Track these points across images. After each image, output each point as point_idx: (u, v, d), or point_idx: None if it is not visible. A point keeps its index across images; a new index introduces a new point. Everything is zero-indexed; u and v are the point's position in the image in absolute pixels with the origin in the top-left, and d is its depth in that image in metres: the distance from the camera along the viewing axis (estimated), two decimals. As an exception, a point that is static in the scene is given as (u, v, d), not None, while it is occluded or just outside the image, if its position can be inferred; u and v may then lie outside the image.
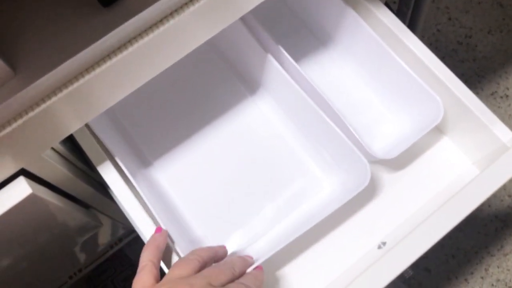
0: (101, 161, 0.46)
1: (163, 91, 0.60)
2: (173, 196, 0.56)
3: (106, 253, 0.79)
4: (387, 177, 0.54)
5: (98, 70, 0.36)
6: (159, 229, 0.45)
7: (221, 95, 0.60)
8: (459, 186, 0.47)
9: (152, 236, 0.44)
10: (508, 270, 1.02)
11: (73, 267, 0.75)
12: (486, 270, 1.02)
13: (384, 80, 0.54)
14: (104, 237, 0.73)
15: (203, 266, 0.42)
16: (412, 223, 0.51)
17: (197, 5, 0.37)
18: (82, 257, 0.74)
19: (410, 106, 0.53)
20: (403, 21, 0.80)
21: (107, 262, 0.88)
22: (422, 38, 1.14)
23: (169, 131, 0.58)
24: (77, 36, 0.34)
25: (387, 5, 0.71)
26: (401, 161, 0.54)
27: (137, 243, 0.72)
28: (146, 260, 0.41)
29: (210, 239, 0.54)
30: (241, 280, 0.42)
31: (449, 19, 1.16)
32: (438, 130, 0.56)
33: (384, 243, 0.51)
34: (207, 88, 0.60)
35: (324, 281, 0.50)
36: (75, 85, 0.36)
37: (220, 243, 0.53)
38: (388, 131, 0.56)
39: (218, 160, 0.57)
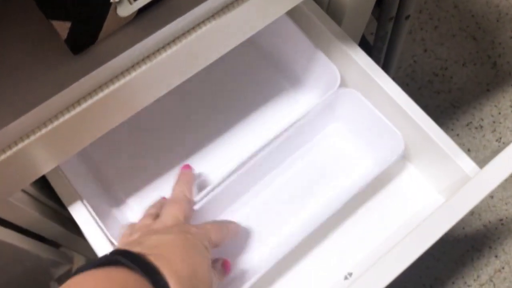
0: (73, 201, 0.45)
1: (132, 125, 0.59)
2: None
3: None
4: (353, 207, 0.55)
5: (75, 111, 0.36)
6: (186, 166, 0.51)
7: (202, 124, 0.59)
8: (426, 215, 0.47)
9: (182, 172, 0.49)
10: (485, 300, 1.03)
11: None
12: (463, 300, 1.03)
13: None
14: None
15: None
16: (379, 253, 0.51)
17: (169, 51, 0.37)
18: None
19: (372, 142, 0.54)
20: (379, 55, 0.81)
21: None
22: (399, 68, 1.17)
23: (142, 166, 0.58)
24: (50, 81, 0.34)
25: (362, 41, 0.72)
26: (368, 191, 0.55)
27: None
28: (179, 192, 0.46)
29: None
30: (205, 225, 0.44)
31: (425, 50, 1.18)
32: (406, 161, 0.57)
33: (350, 274, 0.51)
34: (182, 119, 0.60)
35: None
36: (49, 127, 0.35)
37: None
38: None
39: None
